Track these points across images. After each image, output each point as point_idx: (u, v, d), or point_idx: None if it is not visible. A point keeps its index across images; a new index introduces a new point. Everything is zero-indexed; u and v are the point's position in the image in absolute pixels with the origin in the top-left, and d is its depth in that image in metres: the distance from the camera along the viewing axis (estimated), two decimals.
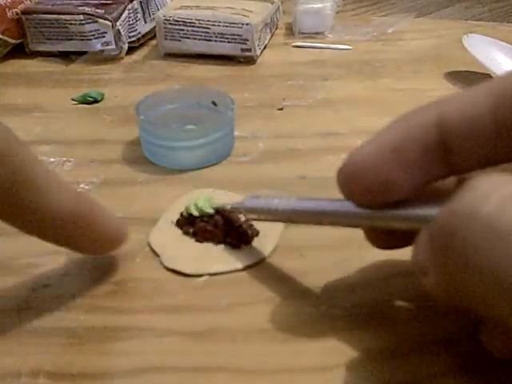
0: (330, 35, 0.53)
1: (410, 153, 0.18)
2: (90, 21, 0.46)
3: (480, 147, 0.18)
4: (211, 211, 0.27)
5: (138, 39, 0.50)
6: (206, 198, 0.27)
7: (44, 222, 0.20)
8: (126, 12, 0.48)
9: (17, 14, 0.47)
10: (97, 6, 0.47)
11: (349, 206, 0.20)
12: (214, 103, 0.35)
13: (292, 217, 0.23)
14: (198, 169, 0.32)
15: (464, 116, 0.18)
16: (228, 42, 0.47)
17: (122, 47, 0.47)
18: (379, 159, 0.19)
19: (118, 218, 0.24)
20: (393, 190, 0.19)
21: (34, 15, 0.47)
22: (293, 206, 0.23)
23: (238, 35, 0.46)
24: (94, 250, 0.23)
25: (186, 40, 0.47)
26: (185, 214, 0.27)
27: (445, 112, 0.19)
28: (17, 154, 0.19)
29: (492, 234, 0.15)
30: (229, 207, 0.26)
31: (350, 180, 0.20)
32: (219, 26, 0.46)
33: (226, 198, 0.29)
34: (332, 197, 0.30)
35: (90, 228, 0.22)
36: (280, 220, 0.24)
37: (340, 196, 0.21)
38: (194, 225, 0.27)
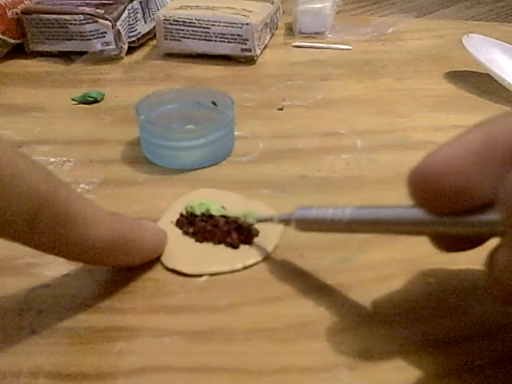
0: (329, 35, 0.53)
1: (494, 157, 0.17)
2: (90, 21, 0.46)
3: None
4: (254, 222, 0.26)
5: (138, 39, 0.50)
6: (200, 202, 0.28)
7: (85, 252, 0.21)
8: (126, 12, 0.48)
9: (17, 13, 0.47)
10: (97, 6, 0.47)
11: (412, 213, 0.19)
12: (213, 103, 0.35)
13: (351, 227, 0.22)
14: (198, 169, 0.32)
15: None
16: (228, 42, 0.47)
17: (121, 47, 0.47)
18: (460, 162, 0.17)
19: (155, 228, 0.25)
20: (471, 196, 0.18)
21: (34, 15, 0.47)
22: (351, 215, 0.21)
23: (238, 35, 0.46)
24: (136, 262, 0.24)
25: (186, 40, 0.47)
26: (185, 213, 0.27)
27: None
28: (61, 194, 0.20)
29: None
30: (276, 220, 0.25)
31: (425, 183, 0.18)
32: (219, 25, 0.46)
33: (226, 199, 0.29)
34: (333, 197, 0.30)
35: (129, 250, 0.23)
36: (334, 231, 0.23)
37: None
38: (193, 225, 0.27)
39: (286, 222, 0.24)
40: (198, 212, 0.27)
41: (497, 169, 0.17)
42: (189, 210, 0.28)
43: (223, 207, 0.28)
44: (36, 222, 0.19)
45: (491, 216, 0.18)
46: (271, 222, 0.25)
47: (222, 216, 0.27)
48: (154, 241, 0.25)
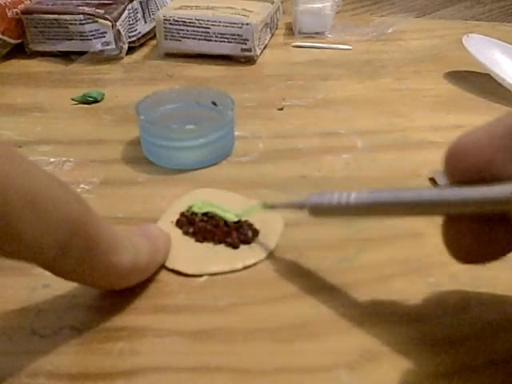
0: (329, 35, 0.53)
1: None
2: (90, 21, 0.46)
3: None
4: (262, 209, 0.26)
5: (138, 39, 0.50)
6: (203, 201, 0.28)
7: (107, 277, 0.21)
8: (126, 12, 0.48)
9: (17, 13, 0.47)
10: (97, 6, 0.47)
11: (427, 193, 0.20)
12: (213, 103, 0.35)
13: (367, 210, 0.21)
14: (198, 169, 0.32)
15: None
16: (228, 42, 0.47)
17: (121, 47, 0.47)
18: (487, 141, 0.19)
19: (165, 237, 0.25)
20: (492, 174, 0.18)
21: (34, 15, 0.47)
22: (367, 198, 0.21)
23: (238, 35, 0.46)
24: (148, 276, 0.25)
25: (186, 40, 0.47)
26: (187, 213, 0.27)
27: None
28: (91, 219, 0.20)
29: None
30: (290, 205, 0.25)
31: (455, 157, 0.19)
32: (219, 25, 0.46)
33: (226, 198, 0.29)
34: None
35: (146, 270, 0.23)
36: (349, 215, 0.22)
37: None
38: (193, 225, 0.27)
39: (300, 207, 0.24)
40: (198, 211, 0.27)
41: None
42: (189, 209, 0.28)
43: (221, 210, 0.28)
44: (68, 247, 0.19)
45: (504, 188, 0.18)
46: (285, 208, 0.26)
47: (204, 214, 0.27)
48: (166, 252, 0.25)
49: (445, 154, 0.20)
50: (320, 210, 0.23)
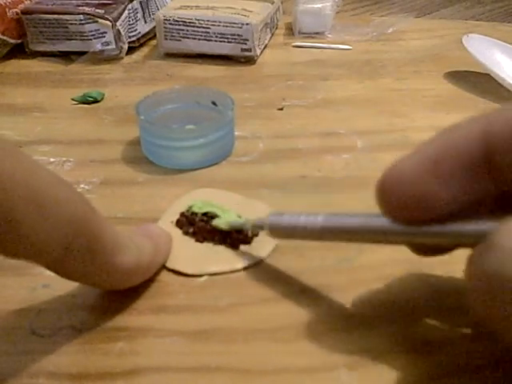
0: (329, 35, 0.53)
1: (451, 165, 0.17)
2: (90, 21, 0.46)
3: None
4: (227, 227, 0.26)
5: (138, 39, 0.50)
6: (203, 201, 0.28)
7: (110, 278, 0.21)
8: (126, 12, 0.48)
9: (17, 13, 0.47)
10: (97, 6, 0.47)
11: (384, 222, 0.19)
12: (213, 103, 0.35)
13: (323, 236, 0.22)
14: (198, 169, 0.32)
15: None
16: (228, 42, 0.47)
17: (121, 47, 0.47)
18: (417, 171, 0.18)
19: (167, 237, 0.25)
20: (430, 205, 0.18)
21: (34, 15, 0.47)
22: (323, 223, 0.21)
23: (238, 35, 0.46)
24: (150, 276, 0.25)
25: (186, 40, 0.47)
26: (187, 213, 0.27)
27: (493, 124, 0.17)
28: (95, 219, 0.20)
29: None
30: (249, 226, 0.25)
31: (387, 193, 0.19)
32: (219, 26, 0.46)
33: (226, 198, 0.29)
34: (332, 197, 0.30)
35: (147, 270, 0.23)
36: (308, 239, 0.23)
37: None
38: (193, 225, 0.27)
39: (259, 227, 0.25)
40: (198, 211, 0.27)
41: (457, 175, 0.18)
42: (189, 209, 0.28)
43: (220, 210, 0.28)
44: (71, 247, 0.19)
45: (453, 227, 0.18)
46: (244, 228, 0.26)
47: (204, 214, 0.27)
48: (167, 252, 0.25)
49: (375, 189, 0.19)
50: (278, 232, 0.23)
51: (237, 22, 0.46)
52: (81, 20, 0.46)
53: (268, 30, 0.50)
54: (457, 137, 0.18)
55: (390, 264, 0.25)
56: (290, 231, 0.23)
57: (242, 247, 0.26)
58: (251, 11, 0.47)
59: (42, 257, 0.19)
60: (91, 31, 0.46)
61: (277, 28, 0.55)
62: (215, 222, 0.26)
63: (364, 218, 0.20)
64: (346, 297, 0.23)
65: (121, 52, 0.48)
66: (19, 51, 0.49)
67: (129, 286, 0.23)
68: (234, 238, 0.26)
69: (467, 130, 0.18)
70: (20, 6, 0.48)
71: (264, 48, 0.50)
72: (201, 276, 0.25)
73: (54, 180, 0.18)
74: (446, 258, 0.22)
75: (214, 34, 0.47)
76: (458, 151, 0.18)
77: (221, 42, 0.47)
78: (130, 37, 0.49)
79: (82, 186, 0.31)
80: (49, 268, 0.19)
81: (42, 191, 0.18)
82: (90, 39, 0.47)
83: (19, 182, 0.17)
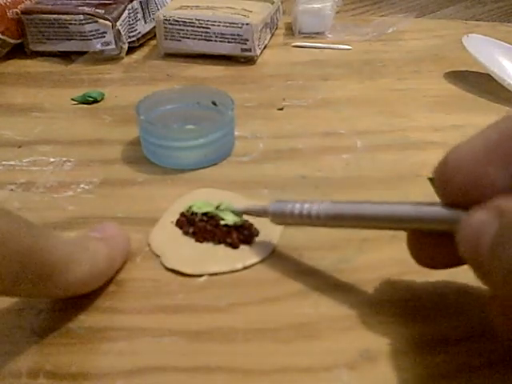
0: (329, 35, 0.53)
1: (508, 153, 0.17)
2: (90, 21, 0.46)
3: None
4: (237, 219, 0.26)
5: (138, 39, 0.50)
6: (203, 201, 0.28)
7: (67, 290, 0.21)
8: (126, 12, 0.48)
9: (17, 13, 0.47)
10: (97, 6, 0.47)
11: (389, 208, 0.20)
12: (214, 103, 0.35)
13: (327, 222, 0.22)
14: (198, 169, 0.32)
15: None
16: (228, 42, 0.47)
17: (121, 47, 0.47)
18: (477, 154, 0.18)
19: (122, 234, 0.25)
20: (486, 188, 0.18)
21: (34, 15, 0.47)
22: (328, 210, 0.22)
23: (238, 35, 0.46)
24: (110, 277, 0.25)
25: (186, 40, 0.47)
26: (187, 213, 0.27)
27: None
28: (45, 245, 0.20)
29: None
30: (253, 211, 0.26)
31: (445, 175, 0.19)
32: (219, 26, 0.46)
33: (227, 198, 0.29)
34: (332, 197, 0.30)
35: (105, 275, 0.24)
36: (312, 225, 0.23)
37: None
38: (193, 225, 0.27)
39: (262, 213, 0.25)
40: (198, 211, 0.27)
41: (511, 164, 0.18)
42: (189, 209, 0.28)
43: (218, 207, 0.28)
44: (20, 280, 0.19)
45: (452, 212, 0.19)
46: (247, 214, 0.26)
47: (204, 214, 0.27)
48: (124, 252, 0.25)
49: (434, 173, 0.19)
50: (281, 218, 0.24)
51: (237, 21, 0.46)
52: (81, 20, 0.46)
53: (268, 30, 0.50)
54: None
55: (390, 264, 0.25)
56: (292, 218, 0.23)
57: (242, 247, 0.26)
58: (251, 11, 0.48)
59: None
60: (91, 31, 0.46)
61: (277, 28, 0.55)
62: (220, 212, 0.27)
63: (369, 204, 0.21)
64: (346, 297, 0.23)
65: (121, 52, 0.48)
66: (19, 51, 0.49)
67: (86, 293, 0.23)
68: (234, 237, 0.26)
69: None
70: (20, 6, 0.48)
71: (264, 48, 0.50)
72: (200, 276, 0.25)
73: None
74: None
75: (214, 33, 0.47)
76: None
77: (221, 41, 0.47)
78: (129, 37, 0.49)
79: (82, 186, 0.31)
80: (0, 295, 0.19)
81: None
82: (90, 39, 0.47)
83: None
